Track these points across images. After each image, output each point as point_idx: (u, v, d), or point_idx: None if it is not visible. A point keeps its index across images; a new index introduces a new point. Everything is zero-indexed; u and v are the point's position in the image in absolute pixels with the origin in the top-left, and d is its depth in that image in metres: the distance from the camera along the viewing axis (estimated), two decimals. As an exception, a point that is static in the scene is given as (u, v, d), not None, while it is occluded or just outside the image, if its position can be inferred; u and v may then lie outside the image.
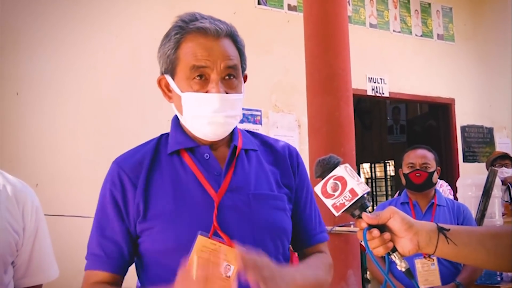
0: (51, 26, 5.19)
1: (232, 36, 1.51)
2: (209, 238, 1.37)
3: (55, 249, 1.83)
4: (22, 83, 4.99)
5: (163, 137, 1.56)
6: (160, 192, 1.43)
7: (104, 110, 5.34)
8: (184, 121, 1.49)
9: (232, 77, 1.48)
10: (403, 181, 3.30)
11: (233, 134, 1.55)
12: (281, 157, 1.60)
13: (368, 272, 7.70)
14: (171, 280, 1.35)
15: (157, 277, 1.42)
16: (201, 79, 1.44)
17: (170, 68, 1.48)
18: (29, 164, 4.86)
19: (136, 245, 1.47)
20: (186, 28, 1.46)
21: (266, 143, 1.62)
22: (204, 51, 1.44)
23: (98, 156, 4.85)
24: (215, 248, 1.37)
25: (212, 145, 1.51)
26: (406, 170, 3.27)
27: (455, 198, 4.80)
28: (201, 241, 1.37)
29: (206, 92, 1.43)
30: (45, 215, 1.78)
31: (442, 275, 3.07)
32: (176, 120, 1.56)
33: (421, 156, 3.28)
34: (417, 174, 3.22)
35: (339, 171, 1.32)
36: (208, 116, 1.43)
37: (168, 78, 1.49)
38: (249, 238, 1.42)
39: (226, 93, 1.45)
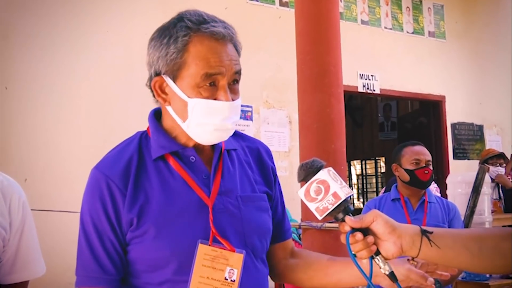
0: (41, 20, 5.16)
1: (234, 40, 1.45)
2: (209, 245, 1.37)
3: (44, 245, 1.81)
4: (11, 78, 4.95)
5: (142, 137, 1.48)
6: (150, 199, 1.38)
7: (95, 105, 5.31)
8: (187, 126, 1.40)
9: (236, 82, 1.44)
10: (406, 177, 3.25)
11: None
12: (256, 155, 1.59)
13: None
14: (162, 286, 1.36)
15: (146, 284, 1.39)
16: (210, 86, 1.37)
17: (172, 70, 1.38)
18: (18, 159, 4.84)
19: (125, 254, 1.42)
20: (196, 30, 1.37)
21: (240, 140, 1.59)
22: (216, 57, 1.37)
23: (88, 151, 4.83)
24: (216, 255, 1.37)
25: (197, 147, 1.46)
26: (410, 166, 3.23)
27: (445, 195, 4.81)
28: (202, 250, 1.36)
29: (215, 99, 1.37)
30: (33, 210, 1.77)
31: None
32: (154, 120, 1.49)
33: (425, 153, 3.27)
34: (425, 171, 3.20)
35: (322, 174, 1.32)
36: (217, 124, 1.38)
37: (169, 80, 1.40)
38: (241, 240, 1.43)
39: (232, 99, 1.41)
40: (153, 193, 1.39)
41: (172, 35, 1.38)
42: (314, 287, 1.61)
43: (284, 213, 1.64)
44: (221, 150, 1.49)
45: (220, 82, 1.38)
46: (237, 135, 1.59)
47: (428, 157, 3.26)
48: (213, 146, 1.49)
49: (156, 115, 1.51)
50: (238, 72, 1.43)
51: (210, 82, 1.37)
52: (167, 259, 1.35)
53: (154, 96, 1.46)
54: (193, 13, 1.40)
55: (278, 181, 1.64)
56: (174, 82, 1.39)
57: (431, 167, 3.23)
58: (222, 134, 1.42)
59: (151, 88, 1.45)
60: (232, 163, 1.51)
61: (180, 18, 1.40)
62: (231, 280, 1.38)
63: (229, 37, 1.41)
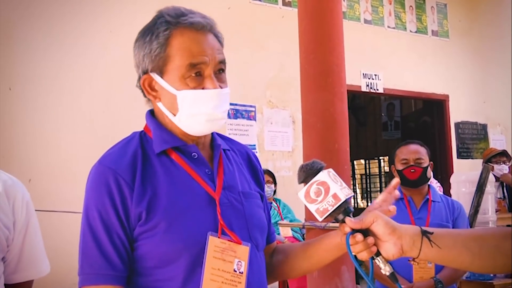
0: (45, 21, 5.17)
1: (215, 31, 1.46)
2: (218, 237, 1.38)
3: (48, 245, 1.81)
4: (15, 78, 4.97)
5: (142, 135, 1.48)
6: (158, 193, 1.37)
7: (97, 105, 5.32)
8: (178, 120, 1.41)
9: (222, 71, 1.45)
10: (398, 177, 3.26)
11: (212, 133, 1.54)
12: (246, 158, 1.63)
13: (362, 268, 7.71)
14: (173, 281, 1.35)
15: (155, 282, 1.37)
16: (196, 76, 1.39)
17: (158, 66, 1.41)
18: (22, 159, 4.85)
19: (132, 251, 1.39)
20: (176, 23, 1.40)
21: (229, 143, 1.61)
22: (198, 46, 1.39)
23: (91, 151, 4.82)
24: (225, 247, 1.39)
25: (198, 144, 1.48)
26: (399, 166, 3.22)
27: (449, 194, 4.80)
28: (213, 242, 1.37)
29: (203, 88, 1.39)
30: (37, 210, 1.77)
31: (438, 273, 3.05)
32: (153, 118, 1.49)
33: (414, 152, 3.23)
34: (411, 170, 3.17)
35: (322, 176, 1.33)
36: (207, 113, 1.40)
37: (156, 77, 1.42)
38: (245, 234, 1.44)
39: (220, 87, 1.42)
40: (161, 186, 1.38)
41: (154, 32, 1.41)
42: (300, 274, 1.65)
43: (269, 217, 1.65)
44: (219, 148, 1.51)
45: (205, 71, 1.40)
46: (225, 139, 1.62)
47: (418, 155, 3.20)
48: (212, 145, 1.52)
49: (152, 115, 1.52)
50: (223, 62, 1.44)
51: (196, 72, 1.39)
52: (180, 252, 1.35)
53: (144, 96, 1.49)
54: (171, 8, 1.44)
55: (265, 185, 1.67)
56: (161, 77, 1.42)
57: (422, 165, 3.17)
58: (213, 124, 1.43)
59: (141, 88, 1.47)
60: (229, 161, 1.54)
61: (159, 15, 1.44)
62: (240, 272, 1.39)
63: (209, 27, 1.43)
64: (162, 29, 1.40)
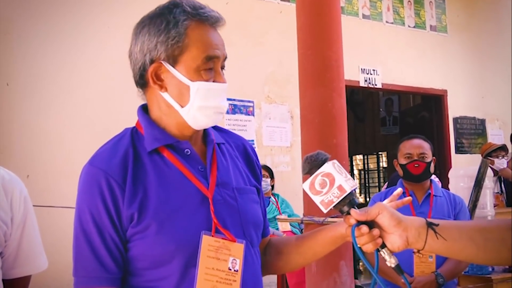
0: (43, 17, 5.16)
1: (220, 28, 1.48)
2: (212, 236, 1.38)
3: (46, 241, 1.81)
4: (12, 74, 4.96)
5: (133, 132, 1.46)
6: (149, 193, 1.36)
7: (96, 101, 5.32)
8: (187, 111, 1.39)
9: (223, 67, 1.45)
10: (400, 172, 3.26)
11: (206, 128, 1.51)
12: (243, 151, 1.60)
13: (360, 263, 7.73)
14: (166, 281, 1.34)
15: (148, 282, 1.37)
16: (209, 70, 1.39)
17: (172, 55, 1.38)
18: (20, 155, 4.84)
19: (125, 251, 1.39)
20: (195, 14, 1.39)
21: (225, 136, 1.59)
22: (214, 40, 1.41)
23: (89, 147, 4.81)
24: (219, 245, 1.38)
25: (191, 140, 1.46)
26: (403, 161, 3.21)
27: (447, 189, 4.81)
28: (206, 241, 1.36)
29: (214, 81, 1.40)
30: (36, 206, 1.77)
31: (439, 267, 3.05)
32: (145, 115, 1.47)
33: (418, 146, 3.23)
34: (415, 165, 3.17)
35: (327, 167, 1.32)
36: (217, 106, 1.40)
37: (168, 66, 1.39)
38: (240, 231, 1.43)
39: None
40: (152, 186, 1.37)
41: (171, 21, 1.38)
42: (294, 268, 1.65)
43: (265, 211, 1.64)
44: (213, 143, 1.49)
45: (216, 65, 1.41)
46: (221, 130, 1.60)
47: (422, 149, 3.20)
48: (205, 140, 1.50)
49: (145, 110, 1.50)
50: (226, 58, 1.45)
51: (209, 65, 1.39)
52: (172, 254, 1.34)
53: (140, 86, 1.47)
54: (186, 0, 1.42)
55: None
56: (173, 67, 1.39)
57: (426, 160, 3.17)
58: (219, 116, 1.43)
59: (139, 77, 1.44)
60: (224, 156, 1.51)
61: (176, 4, 1.41)
62: (234, 270, 1.39)
63: (222, 22, 1.44)
64: (182, 18, 1.38)
